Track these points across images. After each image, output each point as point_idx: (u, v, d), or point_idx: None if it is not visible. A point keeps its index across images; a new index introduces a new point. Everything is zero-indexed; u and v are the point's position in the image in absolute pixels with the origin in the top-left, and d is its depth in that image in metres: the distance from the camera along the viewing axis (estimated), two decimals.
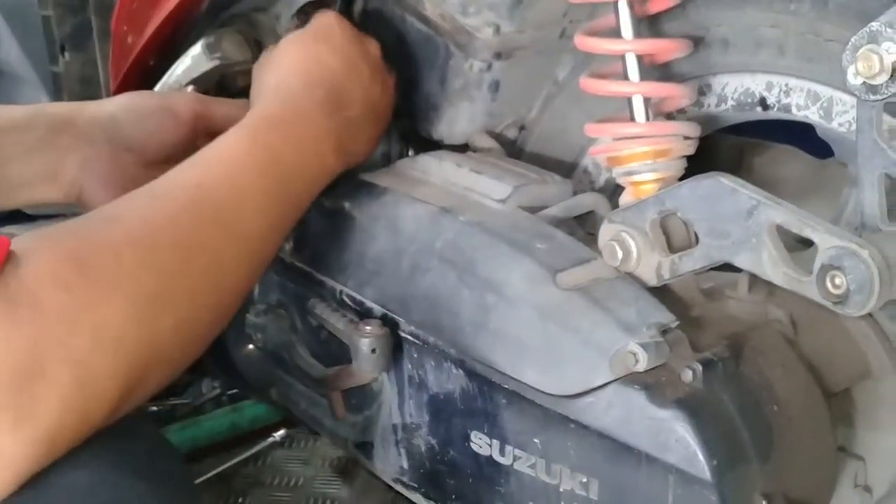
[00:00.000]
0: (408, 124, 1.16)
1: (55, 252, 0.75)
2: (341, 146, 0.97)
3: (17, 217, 1.39)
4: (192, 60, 1.22)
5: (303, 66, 1.00)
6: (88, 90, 1.59)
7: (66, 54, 1.58)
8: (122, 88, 1.33)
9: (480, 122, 1.14)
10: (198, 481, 1.86)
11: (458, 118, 1.14)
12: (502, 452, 0.88)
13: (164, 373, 0.82)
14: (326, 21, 1.04)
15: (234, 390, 1.88)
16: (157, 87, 1.25)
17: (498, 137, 1.14)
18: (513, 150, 1.15)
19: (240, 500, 1.97)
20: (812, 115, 0.91)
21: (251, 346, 1.17)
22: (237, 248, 0.86)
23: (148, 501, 0.79)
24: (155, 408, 1.91)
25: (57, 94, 1.64)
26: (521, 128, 1.15)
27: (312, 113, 0.96)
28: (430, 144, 1.14)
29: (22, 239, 0.76)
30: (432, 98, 1.14)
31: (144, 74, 1.30)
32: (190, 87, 1.21)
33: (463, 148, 1.13)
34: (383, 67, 1.06)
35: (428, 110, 1.15)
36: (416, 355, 0.95)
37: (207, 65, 1.21)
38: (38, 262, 0.74)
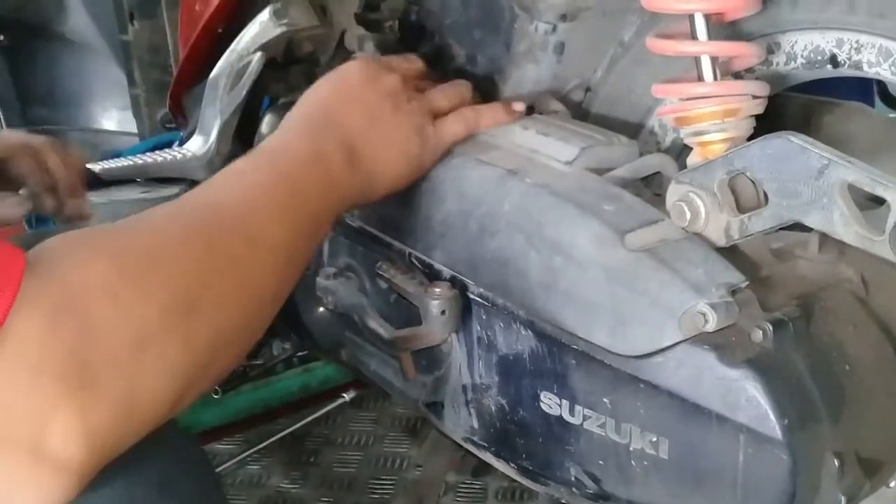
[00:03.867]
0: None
1: (97, 255, 0.75)
2: (352, 161, 0.98)
3: (90, 184, 1.42)
4: (260, 27, 1.23)
5: (305, 104, 1.04)
6: (157, 58, 1.61)
7: (135, 23, 1.60)
8: (190, 56, 1.35)
9: (546, 85, 1.14)
10: (270, 441, 1.90)
11: (524, 81, 1.14)
12: (572, 412, 0.89)
13: (205, 383, 0.81)
14: (344, 67, 1.07)
15: (305, 352, 1.91)
16: (226, 54, 1.27)
17: (563, 100, 1.14)
18: (579, 112, 1.15)
19: (311, 458, 2.01)
20: (884, 72, 0.89)
21: (321, 309, 1.19)
22: (263, 259, 0.87)
23: None
24: None
25: (127, 62, 1.66)
26: (587, 90, 1.15)
27: (312, 133, 0.99)
28: None
29: (55, 241, 0.75)
30: (497, 61, 1.14)
31: (213, 42, 1.31)
32: (258, 54, 1.23)
33: (529, 111, 1.13)
34: (397, 94, 1.04)
35: (493, 73, 1.15)
36: (485, 317, 0.96)
37: (275, 31, 1.22)
38: (82, 266, 0.73)
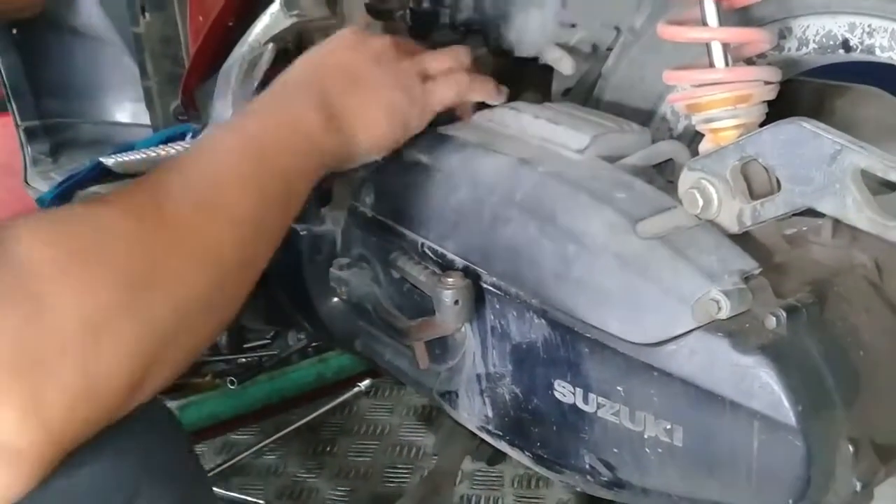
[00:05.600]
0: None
1: (44, 237, 0.74)
2: (331, 123, 0.98)
3: (103, 177, 1.43)
4: (271, 18, 1.23)
5: (290, 70, 1.04)
6: (169, 50, 1.61)
7: (147, 15, 1.61)
8: (201, 49, 1.35)
9: (551, 32, 1.14)
10: (286, 431, 1.91)
11: (528, 26, 1.13)
12: (586, 400, 0.89)
13: (169, 364, 0.80)
14: (334, 35, 1.07)
15: (320, 342, 1.91)
16: (237, 46, 1.27)
17: (571, 51, 1.14)
18: (590, 67, 1.14)
19: (327, 448, 2.02)
20: None
21: (335, 299, 1.19)
22: (225, 230, 0.86)
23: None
24: (244, 359, 1.96)
25: (139, 54, 1.66)
26: (594, 48, 1.14)
27: (288, 97, 0.99)
28: None
29: (8, 227, 0.75)
30: (501, 5, 1.13)
31: (224, 33, 1.31)
32: (269, 45, 1.23)
33: (533, 61, 1.12)
34: (385, 56, 1.04)
35: (497, 19, 1.15)
36: (498, 306, 0.96)
37: (286, 22, 1.22)
38: (29, 248, 0.73)
